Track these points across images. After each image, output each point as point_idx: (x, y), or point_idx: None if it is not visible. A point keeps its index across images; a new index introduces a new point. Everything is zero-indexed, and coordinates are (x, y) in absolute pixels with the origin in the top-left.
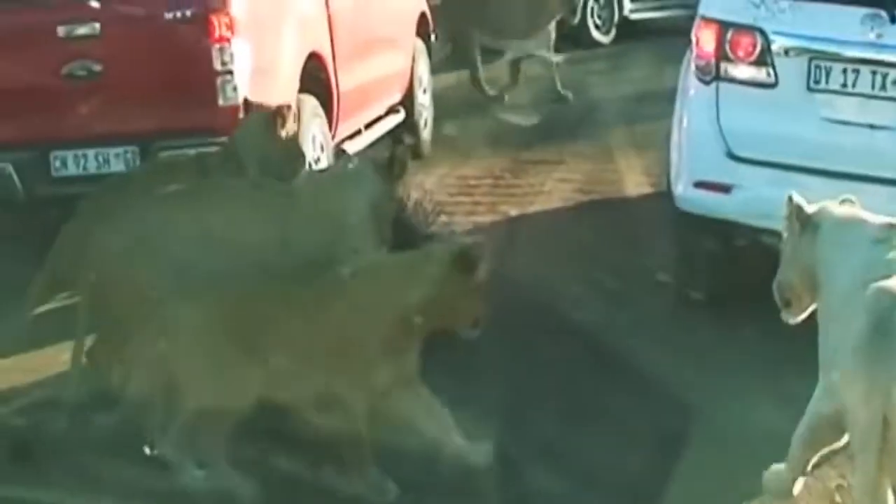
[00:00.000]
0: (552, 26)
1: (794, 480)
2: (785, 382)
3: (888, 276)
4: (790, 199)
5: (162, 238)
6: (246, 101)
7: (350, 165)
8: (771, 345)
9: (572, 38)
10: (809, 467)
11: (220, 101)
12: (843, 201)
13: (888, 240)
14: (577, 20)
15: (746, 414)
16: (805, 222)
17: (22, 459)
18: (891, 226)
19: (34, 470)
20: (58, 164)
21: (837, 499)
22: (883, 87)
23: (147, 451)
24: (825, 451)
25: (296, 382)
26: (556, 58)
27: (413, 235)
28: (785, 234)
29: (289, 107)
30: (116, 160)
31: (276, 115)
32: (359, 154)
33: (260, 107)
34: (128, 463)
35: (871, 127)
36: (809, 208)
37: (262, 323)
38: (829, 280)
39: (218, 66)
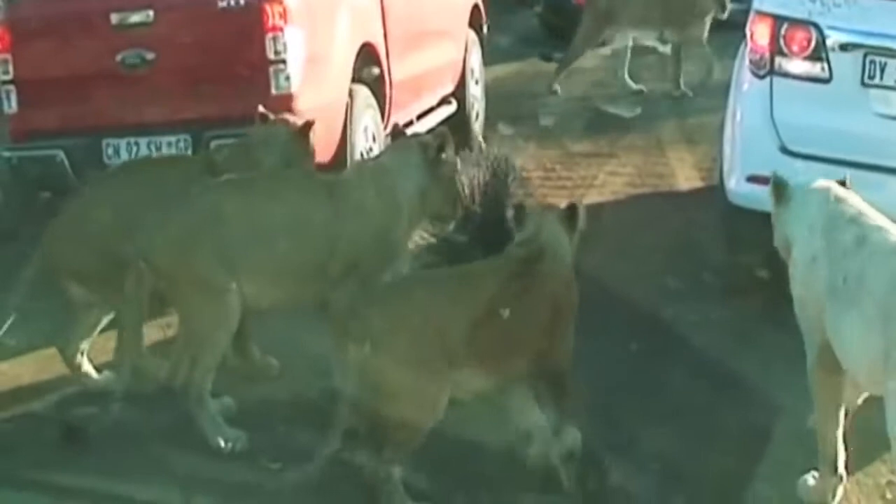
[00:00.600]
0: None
1: (831, 477)
2: None
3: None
4: (773, 174)
5: (222, 227)
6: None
7: (395, 152)
8: None
9: None
10: (843, 466)
11: (273, 91)
12: (839, 182)
13: (846, 199)
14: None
15: None
16: (780, 194)
17: (75, 446)
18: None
19: (88, 457)
20: (110, 151)
21: (888, 495)
22: None
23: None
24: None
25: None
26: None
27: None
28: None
29: (313, 123)
30: (169, 148)
31: (305, 128)
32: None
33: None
34: (186, 452)
35: None
36: (787, 181)
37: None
38: (795, 242)
39: (271, 55)
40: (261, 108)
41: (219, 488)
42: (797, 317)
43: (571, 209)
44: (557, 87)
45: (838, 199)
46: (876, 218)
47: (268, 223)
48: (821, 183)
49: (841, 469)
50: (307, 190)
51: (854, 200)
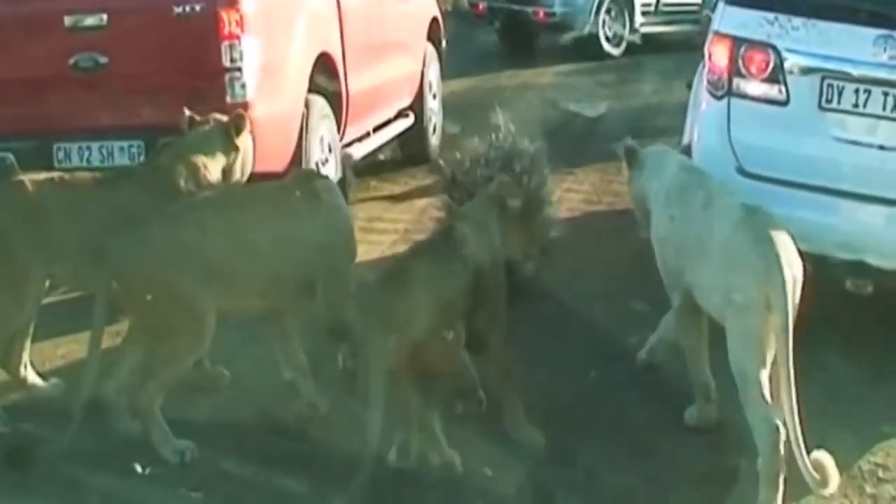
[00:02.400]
0: None
1: (707, 403)
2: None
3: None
4: (625, 142)
5: (197, 243)
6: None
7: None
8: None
9: (583, 50)
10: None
11: (228, 98)
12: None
13: (693, 167)
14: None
15: None
16: (632, 160)
17: (19, 468)
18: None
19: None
20: (61, 155)
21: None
22: (894, 108)
23: (139, 468)
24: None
25: None
26: None
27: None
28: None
29: (244, 116)
30: (121, 154)
31: (235, 121)
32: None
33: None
34: (104, 474)
35: (881, 148)
36: (638, 148)
37: None
38: (654, 205)
39: (227, 63)
40: (187, 112)
41: None
42: (659, 269)
43: (500, 187)
44: None
45: (686, 168)
46: (717, 183)
47: (246, 238)
48: (667, 152)
49: (714, 396)
50: (285, 204)
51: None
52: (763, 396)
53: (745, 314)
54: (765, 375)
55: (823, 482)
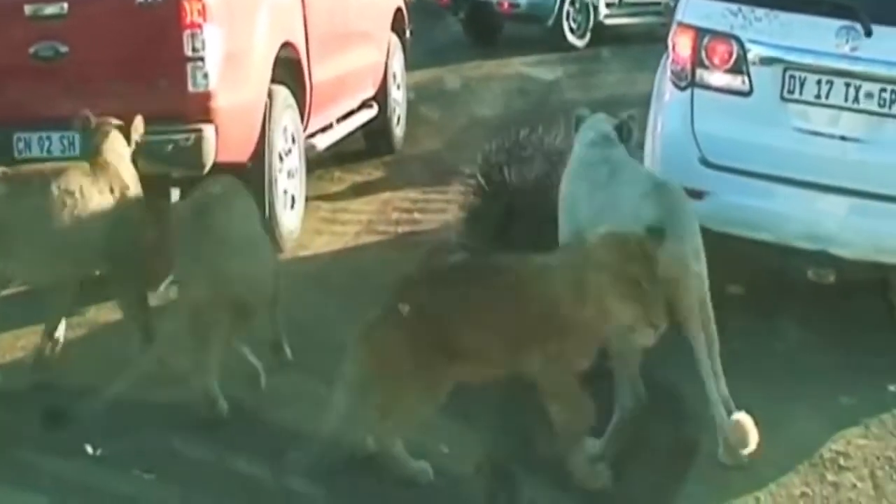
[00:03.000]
0: None
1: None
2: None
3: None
4: (579, 110)
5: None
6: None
7: None
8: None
9: (547, 40)
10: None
11: (190, 88)
12: (629, 117)
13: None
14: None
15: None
16: (577, 125)
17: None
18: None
19: None
20: (21, 145)
21: None
22: (856, 99)
23: (89, 449)
24: None
25: None
26: None
27: None
28: None
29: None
30: (82, 143)
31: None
32: None
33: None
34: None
35: (843, 139)
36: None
37: None
38: (567, 171)
39: (188, 53)
40: (85, 112)
41: (91, 498)
42: (560, 228)
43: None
44: None
45: (597, 140)
46: (622, 154)
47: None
48: (599, 121)
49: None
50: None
51: (608, 143)
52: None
53: None
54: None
55: (742, 442)
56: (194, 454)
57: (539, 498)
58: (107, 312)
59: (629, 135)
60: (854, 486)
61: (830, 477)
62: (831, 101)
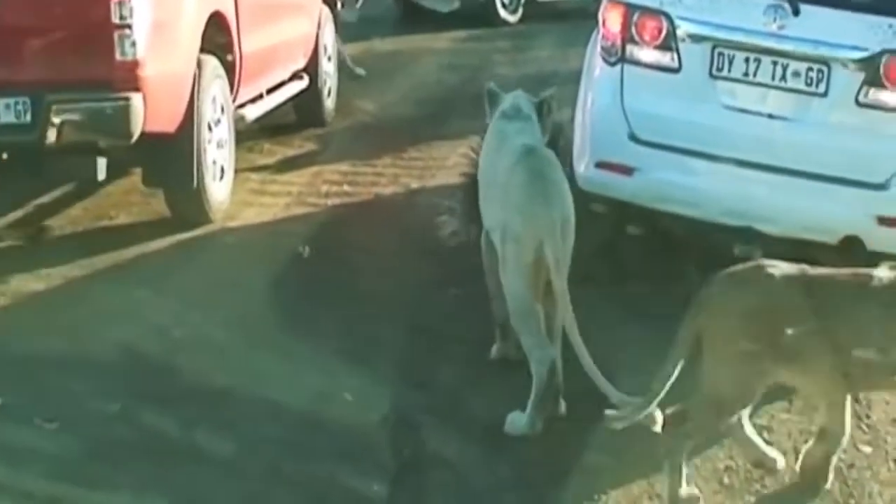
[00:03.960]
0: None
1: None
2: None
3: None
4: (488, 85)
5: None
6: None
7: None
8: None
9: (479, 16)
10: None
11: (118, 56)
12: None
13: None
14: None
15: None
16: (492, 105)
17: None
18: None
19: None
20: None
21: (726, 480)
22: (783, 77)
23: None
24: None
25: None
26: None
27: None
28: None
29: None
30: (6, 111)
31: None
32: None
33: None
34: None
35: (770, 116)
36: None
37: None
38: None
39: (116, 20)
40: None
41: None
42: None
43: None
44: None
45: (503, 115)
46: (515, 127)
47: None
48: (517, 97)
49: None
50: None
51: (517, 118)
52: (538, 326)
53: (517, 248)
54: (538, 307)
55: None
56: (100, 406)
57: (444, 448)
58: (31, 282)
59: (549, 111)
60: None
61: None
62: (759, 78)
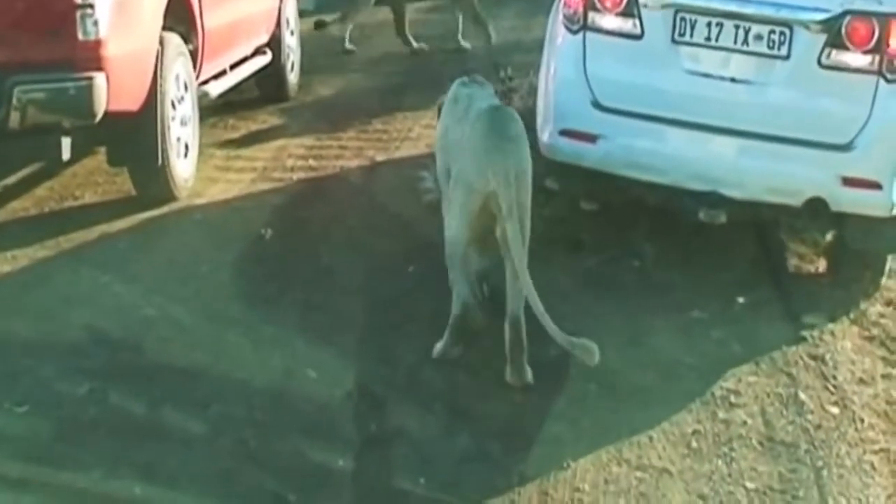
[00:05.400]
0: None
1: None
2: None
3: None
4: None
5: None
6: None
7: None
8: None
9: None
10: None
11: (80, 36)
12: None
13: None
14: None
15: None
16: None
17: None
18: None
19: None
20: None
21: (694, 444)
22: (745, 41)
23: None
24: None
25: None
26: None
27: None
28: None
29: None
30: None
31: None
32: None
33: None
34: None
35: (733, 80)
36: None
37: None
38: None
39: (78, 0)
40: None
41: None
42: (436, 171)
43: None
44: (351, 45)
45: (462, 83)
46: (483, 94)
47: None
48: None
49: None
50: None
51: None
52: (465, 266)
53: (466, 194)
54: (472, 249)
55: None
56: (70, 388)
57: (407, 422)
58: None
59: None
60: (745, 422)
61: (722, 414)
62: (721, 43)
